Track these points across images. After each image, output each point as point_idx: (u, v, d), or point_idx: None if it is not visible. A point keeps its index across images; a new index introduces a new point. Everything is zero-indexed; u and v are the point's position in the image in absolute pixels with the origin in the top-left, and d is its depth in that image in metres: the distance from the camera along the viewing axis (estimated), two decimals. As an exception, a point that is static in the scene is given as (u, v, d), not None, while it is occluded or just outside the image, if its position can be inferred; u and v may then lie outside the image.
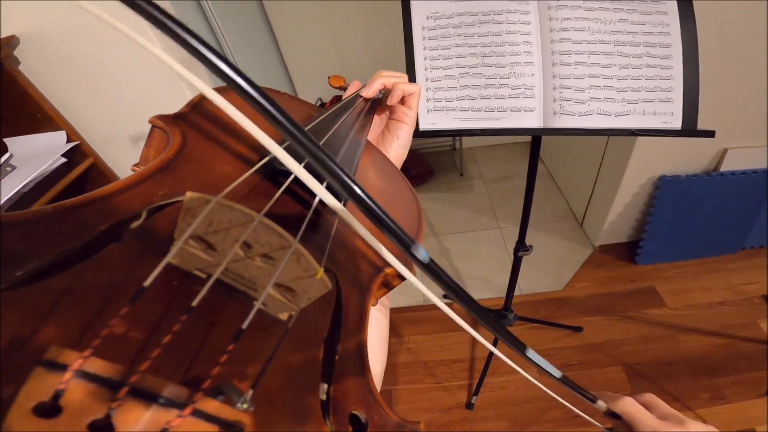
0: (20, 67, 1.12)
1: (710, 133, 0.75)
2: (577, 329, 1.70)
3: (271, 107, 0.18)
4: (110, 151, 1.32)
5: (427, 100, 0.84)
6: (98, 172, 1.28)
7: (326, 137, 0.37)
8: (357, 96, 0.50)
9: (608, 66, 0.78)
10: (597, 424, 0.40)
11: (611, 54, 0.77)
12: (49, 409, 0.12)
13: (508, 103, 0.81)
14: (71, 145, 1.19)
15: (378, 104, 0.53)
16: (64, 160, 1.16)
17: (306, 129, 0.37)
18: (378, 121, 0.54)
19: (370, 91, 0.50)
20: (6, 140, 1.12)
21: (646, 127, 0.77)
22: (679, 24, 0.75)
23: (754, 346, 1.61)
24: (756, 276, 1.84)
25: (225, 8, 1.60)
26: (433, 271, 0.21)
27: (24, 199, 1.04)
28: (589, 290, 1.88)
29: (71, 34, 1.08)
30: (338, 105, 0.46)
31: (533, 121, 0.81)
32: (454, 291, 0.22)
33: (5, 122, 1.13)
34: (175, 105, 0.32)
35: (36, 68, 1.13)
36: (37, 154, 1.12)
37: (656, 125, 0.77)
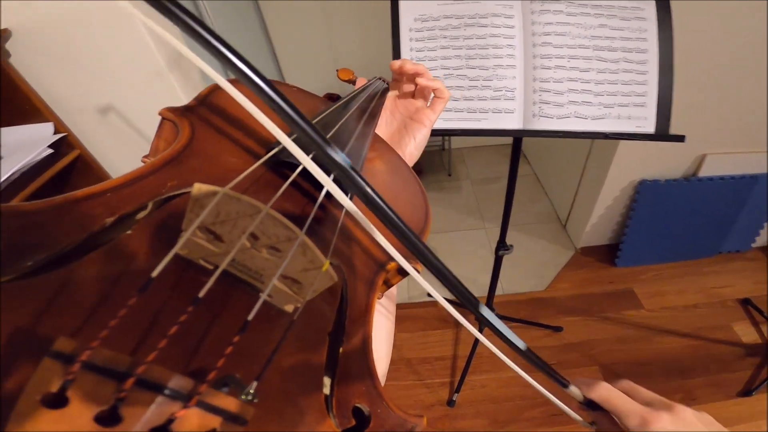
0: (10, 60, 1.12)
1: (680, 138, 0.78)
2: (557, 329, 1.73)
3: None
4: (97, 144, 1.32)
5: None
6: (84, 164, 1.28)
7: (334, 130, 0.37)
8: (364, 89, 0.51)
9: (587, 70, 0.80)
10: (577, 417, 0.37)
11: (590, 59, 0.80)
12: (57, 399, 0.12)
13: (489, 105, 0.84)
14: (58, 136, 1.18)
15: (384, 97, 0.53)
16: (50, 151, 1.16)
17: (313, 122, 0.38)
18: (391, 118, 0.54)
19: (396, 65, 0.50)
20: (-8, 130, 1.11)
21: (621, 130, 0.80)
22: (656, 30, 0.78)
23: (726, 348, 1.66)
24: (731, 280, 1.89)
25: (221, 7, 1.61)
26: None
27: (9, 188, 1.04)
28: (570, 291, 1.91)
29: (62, 27, 1.08)
30: (345, 98, 0.46)
31: (513, 123, 0.84)
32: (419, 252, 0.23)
33: (-6, 113, 1.12)
34: (163, 100, 0.33)
35: (26, 61, 1.14)
36: (23, 144, 1.12)
37: (630, 129, 0.80)
